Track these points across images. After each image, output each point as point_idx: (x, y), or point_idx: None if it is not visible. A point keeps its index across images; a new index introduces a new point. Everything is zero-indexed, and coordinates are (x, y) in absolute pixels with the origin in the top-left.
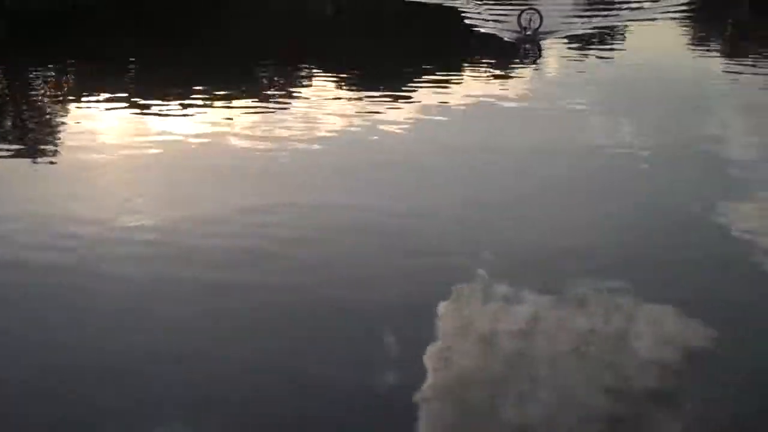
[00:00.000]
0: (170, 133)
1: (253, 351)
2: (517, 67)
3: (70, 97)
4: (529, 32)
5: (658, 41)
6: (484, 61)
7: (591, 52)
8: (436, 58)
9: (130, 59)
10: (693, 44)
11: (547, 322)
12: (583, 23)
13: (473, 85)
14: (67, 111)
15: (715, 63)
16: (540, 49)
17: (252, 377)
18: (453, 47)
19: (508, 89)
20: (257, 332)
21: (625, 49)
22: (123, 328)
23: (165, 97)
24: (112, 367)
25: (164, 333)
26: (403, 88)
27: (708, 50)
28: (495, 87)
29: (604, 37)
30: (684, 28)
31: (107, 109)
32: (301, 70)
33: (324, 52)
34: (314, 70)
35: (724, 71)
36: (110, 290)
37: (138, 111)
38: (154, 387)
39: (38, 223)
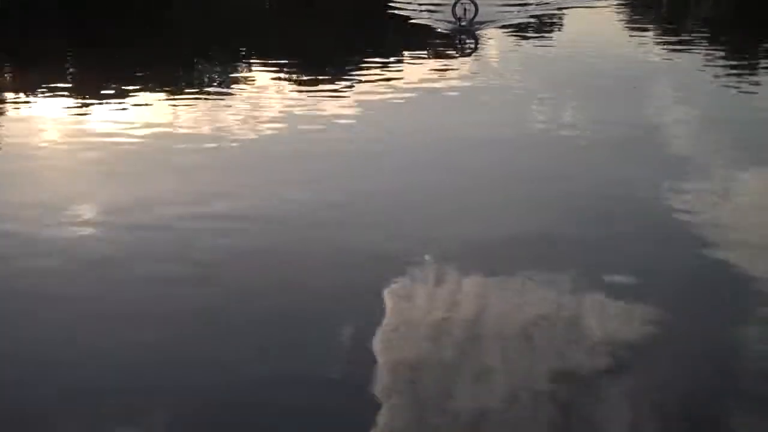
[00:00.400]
0: (110, 131)
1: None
2: (454, 58)
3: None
4: (464, 23)
5: (595, 27)
6: (419, 52)
7: (529, 40)
8: (369, 50)
9: (67, 52)
10: (630, 29)
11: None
12: (519, 11)
13: (411, 75)
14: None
15: (651, 47)
16: (476, 40)
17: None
18: (387, 39)
19: (446, 79)
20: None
21: (562, 36)
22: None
23: (103, 92)
24: None
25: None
26: (342, 79)
27: (644, 34)
28: (433, 77)
29: (542, 25)
30: (620, 13)
31: (43, 105)
32: (240, 61)
33: (261, 43)
34: (253, 61)
35: (660, 55)
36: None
37: (76, 106)
38: None
39: None
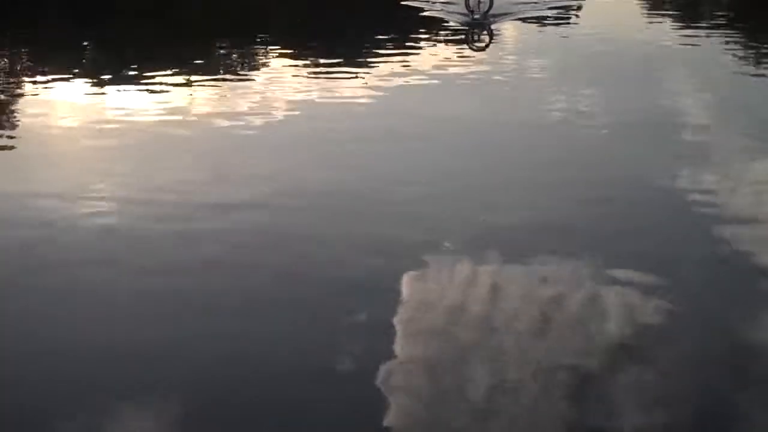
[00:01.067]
0: (128, 113)
1: None
2: (468, 52)
3: (23, 76)
4: (477, 16)
5: (615, 18)
6: (432, 46)
7: (546, 35)
8: (380, 41)
9: (84, 36)
10: (649, 18)
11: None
12: (535, 4)
13: (421, 70)
14: (19, 90)
15: (674, 36)
16: (491, 34)
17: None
18: (396, 32)
19: (461, 71)
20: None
21: (581, 29)
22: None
23: (121, 75)
24: None
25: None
26: (361, 63)
27: (663, 25)
28: (447, 71)
29: (559, 19)
30: (639, 2)
31: (61, 89)
32: (257, 44)
33: (265, 33)
34: (270, 45)
35: (681, 43)
36: None
37: (93, 90)
38: None
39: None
